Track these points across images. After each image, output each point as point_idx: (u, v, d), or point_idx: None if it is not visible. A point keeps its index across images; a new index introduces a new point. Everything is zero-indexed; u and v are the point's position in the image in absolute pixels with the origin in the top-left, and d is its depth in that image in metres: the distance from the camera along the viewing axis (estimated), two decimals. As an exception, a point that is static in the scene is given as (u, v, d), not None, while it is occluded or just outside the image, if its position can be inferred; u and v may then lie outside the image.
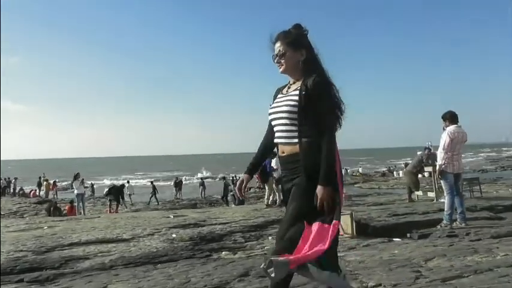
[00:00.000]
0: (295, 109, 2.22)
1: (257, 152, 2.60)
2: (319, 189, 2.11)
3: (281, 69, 2.37)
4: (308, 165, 2.17)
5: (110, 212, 16.32)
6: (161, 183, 41.02)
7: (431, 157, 10.29)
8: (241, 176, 2.57)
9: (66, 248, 6.58)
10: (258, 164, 2.56)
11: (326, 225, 2.10)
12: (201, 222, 8.33)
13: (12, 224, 9.41)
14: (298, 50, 2.32)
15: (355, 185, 33.09)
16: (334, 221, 2.11)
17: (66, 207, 15.83)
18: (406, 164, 40.92)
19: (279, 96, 2.38)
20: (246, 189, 2.54)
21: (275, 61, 2.36)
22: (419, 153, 11.36)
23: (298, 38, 2.34)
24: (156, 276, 4.21)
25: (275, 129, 2.35)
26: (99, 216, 10.73)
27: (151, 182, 28.49)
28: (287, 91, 2.36)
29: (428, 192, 10.65)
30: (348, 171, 42.13)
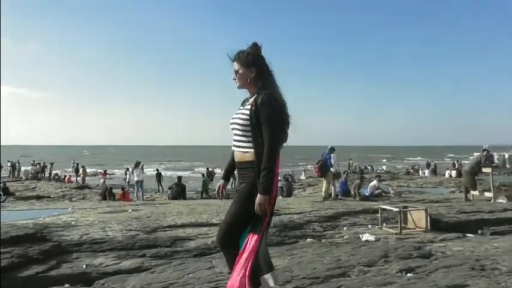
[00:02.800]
0: (246, 122, 2.49)
1: (230, 159, 2.81)
2: (257, 197, 2.38)
3: (236, 85, 2.65)
4: (253, 176, 2.45)
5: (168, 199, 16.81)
6: (186, 174, 41.89)
7: (489, 158, 10.80)
8: (220, 182, 2.91)
9: (167, 229, 7.34)
10: (232, 170, 2.81)
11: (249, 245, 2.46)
12: (276, 211, 9.02)
13: (96, 206, 10.25)
14: (248, 68, 2.58)
15: (383, 182, 33.50)
16: (254, 235, 2.46)
17: (119, 193, 16.73)
18: (429, 164, 41.20)
19: (239, 107, 2.65)
20: (223, 193, 2.87)
21: (232, 77, 2.66)
22: (477, 154, 11.85)
23: (250, 57, 2.59)
24: (281, 255, 4.85)
25: (233, 137, 2.61)
26: (170, 203, 11.52)
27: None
28: (244, 104, 2.63)
29: (485, 193, 11.17)
30: (374, 168, 42.35)
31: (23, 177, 32.62)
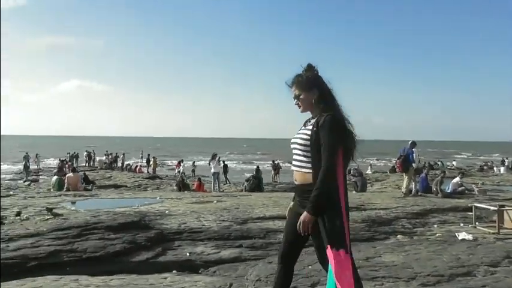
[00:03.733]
0: (307, 142, 2.45)
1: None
2: (303, 214, 2.33)
3: (300, 110, 2.62)
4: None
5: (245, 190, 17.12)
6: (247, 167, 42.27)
7: None
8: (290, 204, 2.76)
9: (257, 221, 7.52)
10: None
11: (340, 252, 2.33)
12: (361, 206, 8.96)
13: (181, 196, 10.69)
14: (310, 91, 2.54)
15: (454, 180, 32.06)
16: (340, 250, 2.32)
17: (195, 184, 17.31)
18: (503, 161, 38.66)
19: (301, 127, 2.62)
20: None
21: (294, 103, 2.62)
22: None
23: (310, 79, 2.57)
24: (393, 251, 4.82)
25: (293, 157, 2.58)
26: (250, 195, 11.79)
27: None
28: (306, 125, 2.59)
29: None
30: (444, 164, 40.58)
31: (98, 167, 34.45)
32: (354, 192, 14.94)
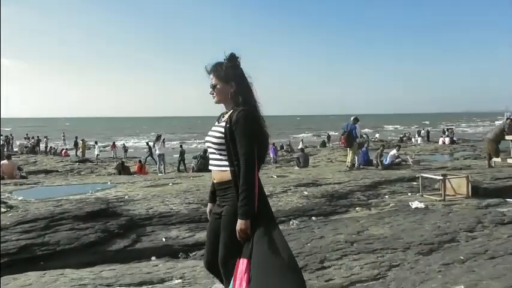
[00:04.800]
0: (221, 140, 2.36)
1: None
2: (238, 222, 2.23)
3: (214, 100, 2.51)
4: (234, 196, 2.30)
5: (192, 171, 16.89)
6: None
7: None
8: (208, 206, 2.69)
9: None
10: (215, 191, 2.57)
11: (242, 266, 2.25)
12: (316, 181, 9.33)
13: (133, 180, 10.41)
14: (227, 83, 2.44)
15: (391, 152, 34.18)
16: (243, 259, 2.25)
17: (136, 166, 16.84)
18: (419, 131, 41.84)
19: (215, 124, 2.51)
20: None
21: (209, 92, 2.52)
22: (499, 122, 12.21)
23: (229, 70, 2.45)
24: (377, 224, 5.15)
25: (209, 155, 2.50)
26: (203, 175, 11.71)
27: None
28: (220, 120, 2.49)
29: (508, 159, 11.65)
30: (369, 137, 42.87)
31: (19, 151, 32.19)
32: (296, 168, 15.48)
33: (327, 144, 35.62)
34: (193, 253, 5.22)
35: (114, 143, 33.45)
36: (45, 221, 5.64)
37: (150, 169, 19.85)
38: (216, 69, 2.47)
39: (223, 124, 2.38)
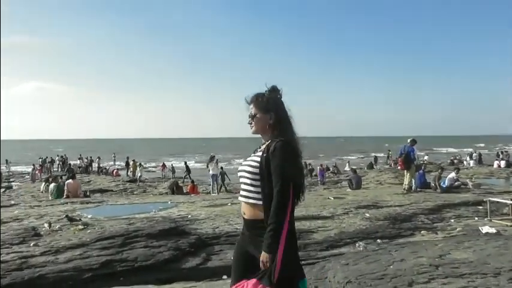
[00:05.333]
0: (256, 170, 2.29)
1: None
2: (261, 254, 2.15)
3: (252, 130, 2.47)
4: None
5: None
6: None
7: None
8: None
9: (285, 222, 7.58)
10: None
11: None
12: (376, 204, 9.21)
13: (192, 200, 10.64)
14: (267, 113, 2.41)
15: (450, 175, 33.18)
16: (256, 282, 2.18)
17: (188, 187, 17.22)
18: (471, 154, 40.18)
19: (251, 155, 2.45)
20: None
21: (248, 121, 2.48)
22: None
23: (269, 101, 2.43)
24: (456, 248, 5.03)
25: (241, 186, 2.40)
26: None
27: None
28: (256, 151, 2.44)
29: None
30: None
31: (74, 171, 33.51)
32: (348, 189, 15.30)
33: (374, 166, 35.06)
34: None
35: (163, 163, 34.30)
36: (121, 239, 5.87)
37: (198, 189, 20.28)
38: (257, 99, 2.45)
39: (260, 154, 2.32)
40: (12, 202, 10.72)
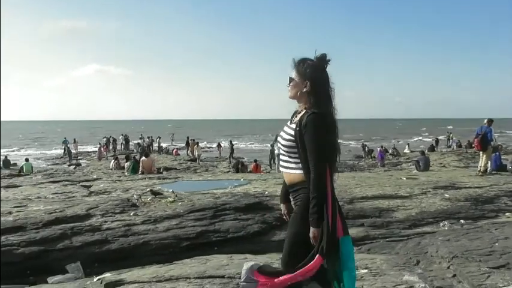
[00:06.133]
0: (291, 143, 2.33)
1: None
2: (310, 230, 2.22)
3: (288, 95, 2.47)
4: (304, 198, 2.28)
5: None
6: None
7: None
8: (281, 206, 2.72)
9: (362, 200, 7.67)
10: (287, 192, 2.56)
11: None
12: (453, 185, 9.02)
13: (264, 178, 10.88)
14: (304, 80, 2.37)
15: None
16: (316, 256, 2.22)
17: (252, 165, 17.60)
18: None
19: (287, 124, 2.47)
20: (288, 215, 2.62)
21: (287, 84, 2.47)
22: None
23: (309, 69, 2.38)
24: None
25: (280, 156, 2.48)
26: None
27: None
28: (292, 120, 2.44)
29: None
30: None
31: (134, 150, 34.93)
32: (415, 171, 14.99)
33: (435, 149, 33.94)
34: (359, 247, 5.34)
35: (219, 143, 35.03)
36: (212, 211, 6.16)
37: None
38: (298, 64, 2.42)
39: (294, 126, 2.35)
40: (95, 176, 11.40)
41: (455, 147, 34.93)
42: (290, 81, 2.44)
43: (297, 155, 2.32)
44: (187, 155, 32.01)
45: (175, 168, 22.03)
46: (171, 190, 8.52)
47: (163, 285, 3.84)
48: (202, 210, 6.15)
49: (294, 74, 2.42)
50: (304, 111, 2.33)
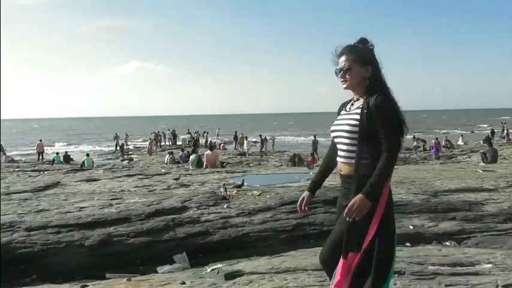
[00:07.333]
0: (356, 129, 2.19)
1: (319, 169, 2.61)
2: (357, 197, 2.07)
3: (345, 86, 2.30)
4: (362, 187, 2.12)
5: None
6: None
7: None
8: (304, 193, 2.52)
9: (447, 193, 7.52)
10: (320, 183, 2.51)
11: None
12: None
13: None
14: (364, 67, 2.25)
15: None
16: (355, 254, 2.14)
17: (309, 159, 17.64)
18: None
19: (342, 113, 2.36)
20: (306, 207, 2.50)
21: (339, 76, 2.30)
22: None
23: (365, 53, 2.27)
24: None
25: (337, 146, 2.32)
26: (397, 168, 11.74)
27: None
28: (350, 108, 2.32)
29: None
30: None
31: (183, 145, 35.56)
32: (481, 163, 14.48)
33: (492, 140, 32.67)
34: (464, 242, 5.23)
35: (265, 137, 35.06)
36: (302, 204, 6.17)
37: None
38: (352, 51, 2.28)
39: (359, 111, 2.22)
40: (163, 170, 11.69)
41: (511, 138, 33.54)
42: (345, 72, 2.29)
43: (360, 143, 2.19)
44: (236, 149, 32.28)
45: (228, 163, 22.24)
46: (245, 183, 8.63)
47: (283, 276, 3.89)
48: (293, 203, 6.16)
49: (348, 62, 2.27)
50: (365, 97, 2.23)
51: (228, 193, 6.80)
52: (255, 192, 6.85)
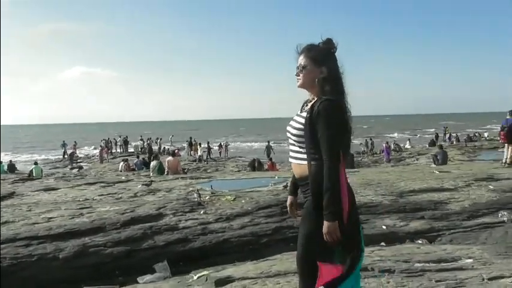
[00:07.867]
0: (301, 132, 2.19)
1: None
2: (324, 225, 2.05)
3: (298, 84, 2.30)
4: (315, 191, 2.11)
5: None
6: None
7: None
8: (288, 198, 2.57)
9: (412, 194, 7.74)
10: (297, 185, 2.43)
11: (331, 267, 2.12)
12: (491, 176, 9.18)
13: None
14: (319, 67, 2.23)
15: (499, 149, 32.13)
16: (336, 266, 2.11)
17: (268, 164, 17.67)
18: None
19: (297, 113, 2.33)
20: (295, 212, 2.51)
21: (295, 73, 2.31)
22: None
23: (323, 53, 2.25)
24: None
25: (289, 146, 2.33)
26: (358, 171, 12.00)
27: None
28: (303, 109, 2.30)
29: None
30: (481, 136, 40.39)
31: (135, 152, 34.69)
32: (432, 165, 15.19)
33: (436, 144, 34.41)
34: (439, 239, 5.42)
35: (221, 143, 35.02)
36: (278, 207, 6.20)
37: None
38: (309, 50, 2.27)
39: (304, 115, 2.19)
40: (123, 178, 11.32)
41: (454, 141, 35.40)
42: (300, 69, 2.27)
43: (304, 147, 2.18)
44: (189, 155, 31.92)
45: (188, 169, 21.97)
46: (219, 189, 8.52)
47: (276, 280, 3.87)
48: (269, 207, 6.19)
49: (304, 61, 2.26)
50: (317, 98, 2.20)
51: (201, 199, 6.69)
52: (229, 197, 6.79)
